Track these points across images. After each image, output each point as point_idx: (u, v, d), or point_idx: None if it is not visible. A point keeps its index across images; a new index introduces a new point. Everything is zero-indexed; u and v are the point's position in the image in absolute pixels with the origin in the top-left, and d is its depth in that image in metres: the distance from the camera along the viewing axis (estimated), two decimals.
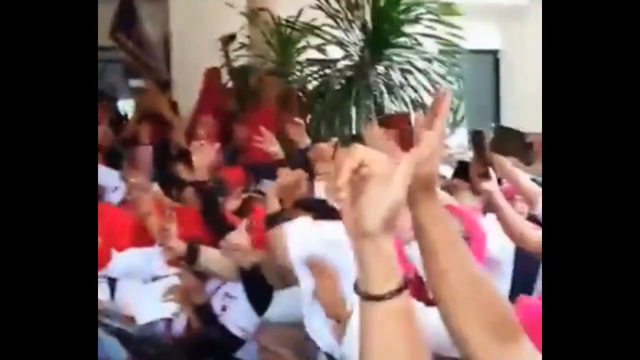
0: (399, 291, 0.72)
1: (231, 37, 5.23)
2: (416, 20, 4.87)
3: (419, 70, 4.86)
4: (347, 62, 4.98)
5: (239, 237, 2.18)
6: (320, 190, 2.55)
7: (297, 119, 3.22)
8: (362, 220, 0.71)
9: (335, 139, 2.82)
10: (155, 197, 3.09)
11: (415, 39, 4.88)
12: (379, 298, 0.72)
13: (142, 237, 2.76)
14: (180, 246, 2.25)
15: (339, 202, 0.73)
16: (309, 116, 4.73)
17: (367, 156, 0.72)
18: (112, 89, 5.74)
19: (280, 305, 2.04)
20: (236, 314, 2.30)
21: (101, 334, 2.02)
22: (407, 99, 4.84)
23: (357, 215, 0.72)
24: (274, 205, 2.12)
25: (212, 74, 5.31)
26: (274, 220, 2.05)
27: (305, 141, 2.97)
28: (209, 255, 2.28)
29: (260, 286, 2.12)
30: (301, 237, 1.77)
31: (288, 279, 2.10)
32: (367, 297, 0.73)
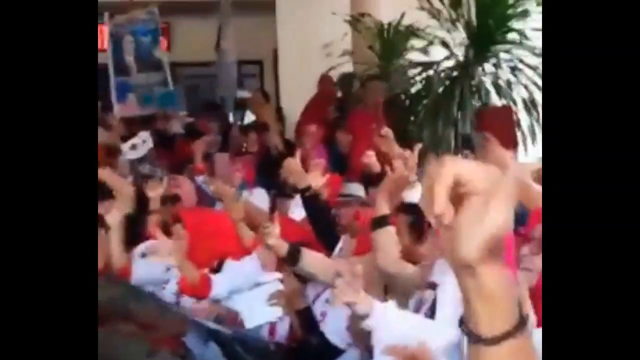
0: (508, 335, 0.60)
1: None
2: (524, 14, 4.64)
3: (529, 66, 4.62)
4: (451, 63, 4.85)
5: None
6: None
7: (384, 131, 3.21)
8: (458, 247, 0.58)
9: (419, 145, 2.71)
10: (246, 206, 3.18)
11: (524, 34, 4.64)
12: (485, 341, 0.61)
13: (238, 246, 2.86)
14: (281, 245, 2.26)
15: (440, 226, 0.59)
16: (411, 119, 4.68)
17: (463, 170, 0.58)
18: (221, 100, 6.00)
19: None
20: (335, 321, 2.30)
21: (196, 335, 2.09)
22: (518, 98, 4.62)
23: (453, 241, 0.59)
24: (383, 209, 2.18)
25: (326, 81, 5.41)
26: (380, 223, 2.15)
27: (396, 151, 2.94)
28: (311, 258, 2.28)
29: None
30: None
31: (390, 281, 2.17)
32: (474, 339, 0.62)
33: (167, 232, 2.74)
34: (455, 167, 0.58)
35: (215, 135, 4.78)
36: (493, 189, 0.57)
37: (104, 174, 2.79)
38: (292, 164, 2.91)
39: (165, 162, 4.31)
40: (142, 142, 4.09)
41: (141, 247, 2.82)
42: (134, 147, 4.12)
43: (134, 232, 2.91)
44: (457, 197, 0.58)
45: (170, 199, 3.17)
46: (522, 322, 0.61)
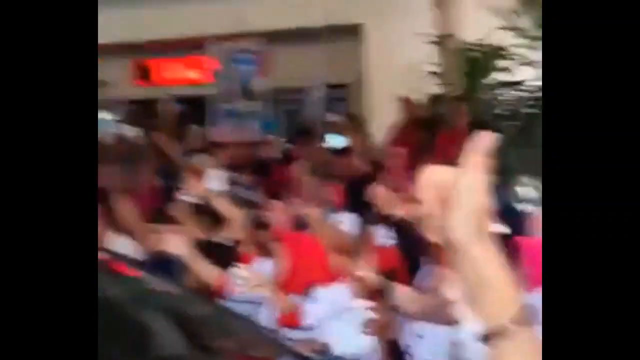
0: (511, 323, 0.64)
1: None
2: None
3: None
4: (537, 83, 4.81)
5: None
6: None
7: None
8: (449, 233, 0.66)
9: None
10: (335, 231, 3.21)
11: None
12: (485, 338, 0.65)
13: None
14: (371, 277, 2.29)
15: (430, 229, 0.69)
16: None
17: (440, 175, 0.69)
18: (313, 124, 6.16)
19: None
20: (422, 353, 2.34)
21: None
22: None
23: (444, 231, 0.67)
24: None
25: (410, 103, 5.46)
26: None
27: None
28: (400, 292, 2.31)
29: None
30: None
31: None
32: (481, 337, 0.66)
33: (263, 254, 2.87)
34: (433, 174, 0.69)
35: (307, 159, 4.93)
36: (465, 183, 0.67)
37: (219, 202, 3.04)
38: (380, 190, 2.98)
39: (263, 187, 4.49)
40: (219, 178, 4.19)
41: (237, 270, 2.89)
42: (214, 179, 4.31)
43: (228, 255, 3.07)
44: (443, 201, 0.67)
45: (263, 224, 3.24)
46: (523, 310, 0.65)
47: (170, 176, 4.21)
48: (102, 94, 7.74)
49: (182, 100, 6.73)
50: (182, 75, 8.01)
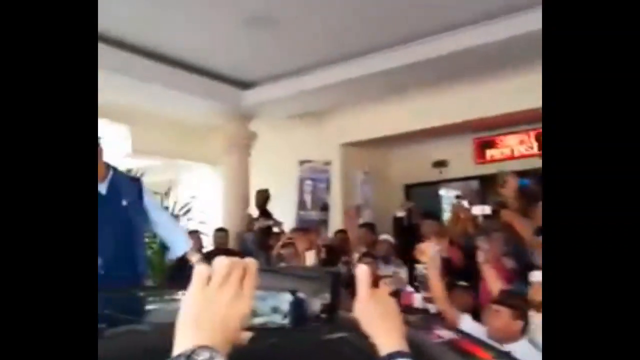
0: None
1: None
2: None
3: None
4: None
5: None
6: None
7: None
8: None
9: None
10: None
11: None
12: None
13: None
14: None
15: None
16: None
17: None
18: None
19: None
20: None
21: None
22: None
23: None
24: None
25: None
26: None
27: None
28: None
29: None
30: None
31: None
32: None
33: None
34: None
35: None
36: None
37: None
38: None
39: None
40: None
41: None
42: None
43: None
44: None
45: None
46: None
47: (521, 256, 4.07)
48: (443, 173, 8.11)
49: (523, 175, 6.55)
50: (516, 150, 7.84)
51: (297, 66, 6.49)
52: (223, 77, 6.83)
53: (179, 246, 3.03)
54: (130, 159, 7.45)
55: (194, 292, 0.74)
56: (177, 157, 8.51)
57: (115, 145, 7.18)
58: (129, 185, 3.02)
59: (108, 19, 5.24)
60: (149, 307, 2.70)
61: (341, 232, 6.36)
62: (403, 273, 5.19)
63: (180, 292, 3.43)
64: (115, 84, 6.08)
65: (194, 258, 3.07)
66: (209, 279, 0.74)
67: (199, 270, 0.74)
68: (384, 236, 5.72)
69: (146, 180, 3.41)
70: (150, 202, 3.06)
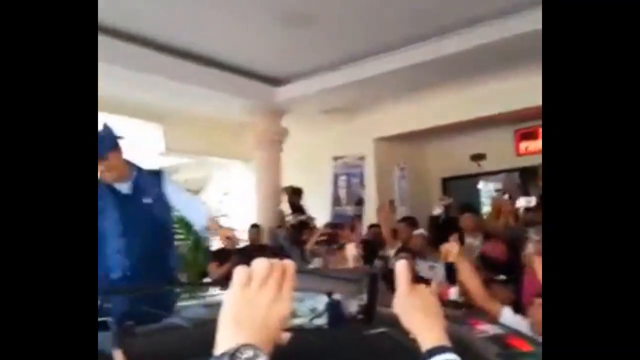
0: None
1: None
2: None
3: None
4: None
5: None
6: None
7: None
8: None
9: None
10: None
11: None
12: None
13: None
14: None
15: None
16: None
17: None
18: None
19: None
20: None
21: None
22: None
23: None
24: None
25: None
26: None
27: None
28: None
29: None
30: None
31: None
32: None
33: None
34: None
35: None
36: None
37: None
38: None
39: None
40: None
41: None
42: None
43: None
44: None
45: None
46: None
47: None
48: (482, 166, 7.92)
49: None
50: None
51: (329, 61, 6.40)
52: (255, 73, 6.80)
53: (198, 220, 3.10)
54: (163, 157, 7.48)
55: (234, 292, 0.75)
56: (210, 155, 8.53)
57: (149, 144, 7.22)
58: (152, 181, 3.04)
59: (140, 19, 5.24)
60: (183, 303, 2.67)
61: (374, 226, 6.27)
62: (439, 267, 5.07)
63: (215, 289, 3.42)
64: (148, 83, 6.10)
65: (216, 226, 3.15)
66: (250, 279, 0.75)
67: (239, 271, 0.76)
68: (419, 231, 5.61)
69: (179, 178, 3.42)
70: (170, 188, 3.08)
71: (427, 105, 7.35)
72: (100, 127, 2.81)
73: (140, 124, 7.16)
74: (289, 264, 0.78)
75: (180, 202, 3.10)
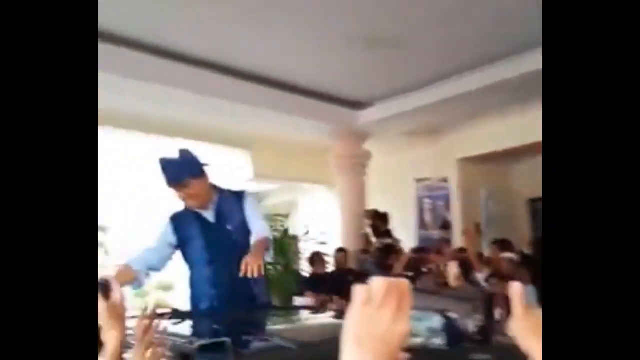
0: None
1: None
2: None
3: None
4: None
5: None
6: None
7: None
8: None
9: None
10: None
11: None
12: None
13: None
14: None
15: None
16: None
17: None
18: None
19: None
20: None
21: None
22: None
23: None
24: None
25: None
26: None
27: None
28: None
29: None
30: None
31: None
32: None
33: None
34: None
35: None
36: None
37: None
38: None
39: None
40: None
41: None
42: None
43: None
44: None
45: None
46: None
47: None
48: None
49: None
50: None
51: (411, 82, 6.41)
52: (337, 98, 6.91)
53: (260, 233, 2.84)
54: (252, 183, 7.71)
55: (355, 312, 0.74)
56: (296, 180, 8.68)
57: (237, 171, 7.46)
58: (234, 204, 2.94)
59: (229, 50, 5.49)
60: (276, 326, 2.70)
61: (462, 250, 6.15)
62: (530, 290, 4.90)
63: (305, 312, 3.40)
64: (236, 111, 6.35)
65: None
66: (370, 298, 0.75)
67: (360, 290, 0.75)
68: (507, 254, 5.45)
69: (267, 204, 3.40)
70: (247, 207, 2.95)
71: (513, 123, 7.17)
72: (177, 154, 2.75)
73: (229, 151, 7.43)
74: (405, 282, 0.77)
75: (248, 218, 2.93)
